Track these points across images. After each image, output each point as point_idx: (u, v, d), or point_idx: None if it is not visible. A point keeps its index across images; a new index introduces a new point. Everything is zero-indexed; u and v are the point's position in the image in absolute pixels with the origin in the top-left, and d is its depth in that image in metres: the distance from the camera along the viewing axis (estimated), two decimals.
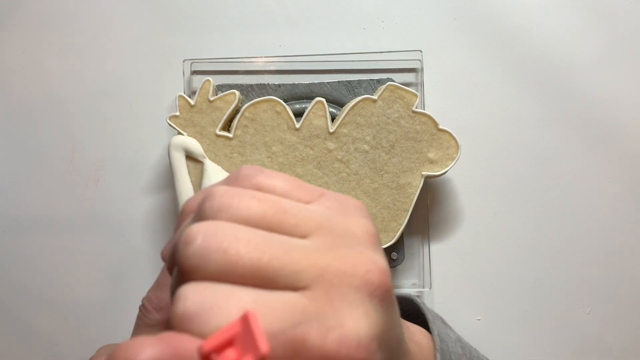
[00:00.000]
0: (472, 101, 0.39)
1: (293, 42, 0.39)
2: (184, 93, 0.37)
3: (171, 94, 0.39)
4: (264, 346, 0.15)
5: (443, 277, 0.38)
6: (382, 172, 0.36)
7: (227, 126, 0.36)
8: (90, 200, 0.39)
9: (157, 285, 0.26)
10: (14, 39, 0.39)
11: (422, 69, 0.37)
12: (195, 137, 0.35)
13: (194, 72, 0.37)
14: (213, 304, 0.17)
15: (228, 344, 0.15)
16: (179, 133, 0.35)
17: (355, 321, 0.17)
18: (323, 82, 0.37)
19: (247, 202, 0.18)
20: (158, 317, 0.26)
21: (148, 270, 0.38)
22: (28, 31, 0.39)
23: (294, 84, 0.37)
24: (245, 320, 0.15)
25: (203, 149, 0.35)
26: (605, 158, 0.39)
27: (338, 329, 0.17)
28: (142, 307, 0.26)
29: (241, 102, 0.36)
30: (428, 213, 0.38)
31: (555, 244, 0.39)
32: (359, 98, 0.35)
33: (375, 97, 0.36)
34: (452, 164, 0.35)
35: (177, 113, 0.35)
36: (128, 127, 0.39)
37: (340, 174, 0.36)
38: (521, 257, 0.39)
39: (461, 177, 0.39)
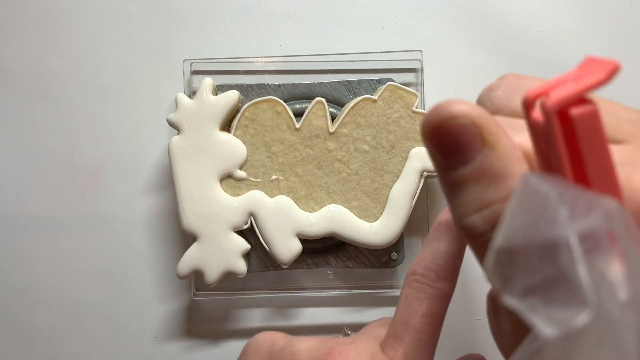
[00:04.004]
0: (472, 101, 0.39)
1: (293, 42, 0.39)
2: (184, 93, 0.37)
3: (171, 94, 0.38)
4: (612, 64, 0.13)
5: None
6: (382, 172, 0.36)
7: (227, 126, 0.36)
8: (90, 200, 0.39)
9: (430, 256, 0.23)
10: (14, 39, 0.39)
11: (422, 69, 0.37)
12: (194, 137, 0.35)
13: (194, 72, 0.37)
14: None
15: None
16: (179, 132, 0.35)
17: None
18: (323, 82, 0.37)
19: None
20: (444, 288, 0.23)
21: (148, 270, 0.38)
22: (28, 31, 0.39)
23: (294, 84, 0.37)
24: (586, 62, 0.14)
25: None
26: None
27: None
28: (422, 277, 0.23)
29: (241, 102, 0.36)
30: (428, 213, 0.38)
31: None
32: (359, 98, 0.35)
33: (375, 97, 0.36)
34: None
35: (177, 112, 0.35)
36: (128, 127, 0.39)
37: (340, 174, 0.36)
38: None
39: None
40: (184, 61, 0.37)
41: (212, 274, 0.35)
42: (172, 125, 0.35)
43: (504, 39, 0.39)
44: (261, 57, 0.38)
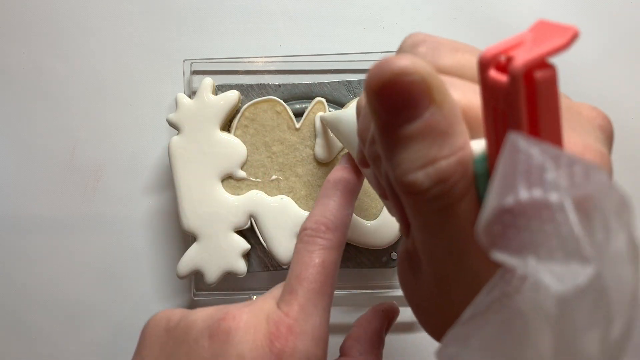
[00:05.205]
0: None
1: (293, 42, 0.39)
2: (184, 93, 0.37)
3: (171, 94, 0.38)
4: (572, 30, 0.14)
5: None
6: None
7: (227, 126, 0.36)
8: (90, 200, 0.39)
9: (319, 212, 0.24)
10: (15, 39, 0.39)
11: None
12: (195, 137, 0.35)
13: (194, 72, 0.37)
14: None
15: (511, 50, 0.14)
16: (179, 132, 0.35)
17: (593, 139, 0.17)
18: (323, 82, 0.37)
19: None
20: (334, 238, 0.24)
21: (148, 270, 0.38)
22: (28, 31, 0.39)
23: (294, 84, 0.37)
24: (539, 25, 0.14)
25: None
26: None
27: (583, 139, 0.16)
28: (313, 231, 0.24)
29: (241, 102, 0.36)
30: None
31: None
32: (358, 98, 0.35)
33: None
34: None
35: (177, 112, 0.35)
36: (128, 127, 0.39)
37: None
38: None
39: None
40: (184, 61, 0.37)
41: (212, 274, 0.35)
42: (172, 125, 0.35)
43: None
44: (261, 57, 0.38)
